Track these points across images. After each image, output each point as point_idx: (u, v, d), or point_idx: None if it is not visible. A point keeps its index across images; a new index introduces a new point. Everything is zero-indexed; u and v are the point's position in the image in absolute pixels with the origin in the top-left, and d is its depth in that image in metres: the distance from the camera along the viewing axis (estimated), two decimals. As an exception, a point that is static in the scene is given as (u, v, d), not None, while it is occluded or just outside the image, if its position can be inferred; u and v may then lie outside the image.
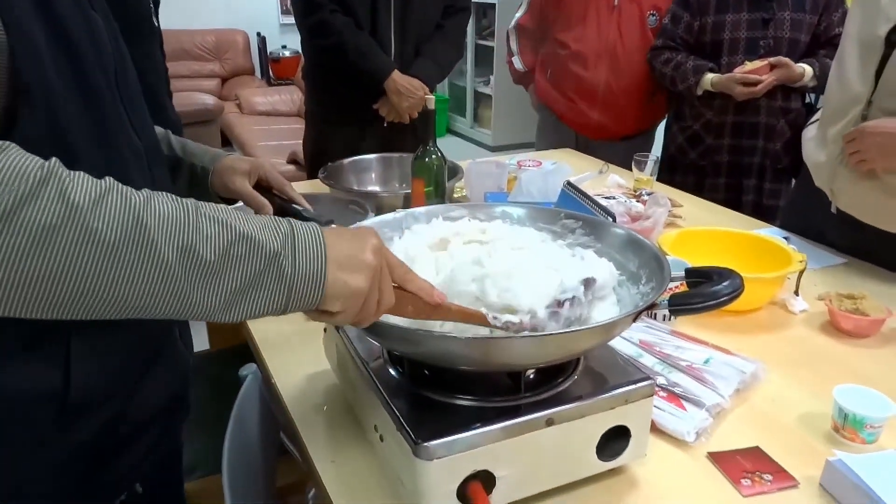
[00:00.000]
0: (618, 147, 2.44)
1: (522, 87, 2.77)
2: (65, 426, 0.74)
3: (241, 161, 1.06)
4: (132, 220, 0.54)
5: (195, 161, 1.05)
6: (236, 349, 1.67)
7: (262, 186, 1.06)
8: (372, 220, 0.99)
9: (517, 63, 2.63)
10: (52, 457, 0.74)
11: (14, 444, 0.72)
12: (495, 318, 0.72)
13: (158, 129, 1.08)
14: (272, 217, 0.62)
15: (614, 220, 1.19)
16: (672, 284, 0.79)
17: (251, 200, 1.03)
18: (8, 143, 0.52)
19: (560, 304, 0.73)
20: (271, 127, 4.50)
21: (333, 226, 0.93)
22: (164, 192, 0.58)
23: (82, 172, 0.55)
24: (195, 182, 1.05)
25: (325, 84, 2.20)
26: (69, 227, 0.51)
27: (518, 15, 2.59)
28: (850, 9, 1.44)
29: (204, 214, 0.57)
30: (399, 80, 2.08)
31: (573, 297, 0.74)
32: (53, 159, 0.54)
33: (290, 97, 5.04)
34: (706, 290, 0.72)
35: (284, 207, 1.05)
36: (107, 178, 0.56)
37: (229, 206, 0.61)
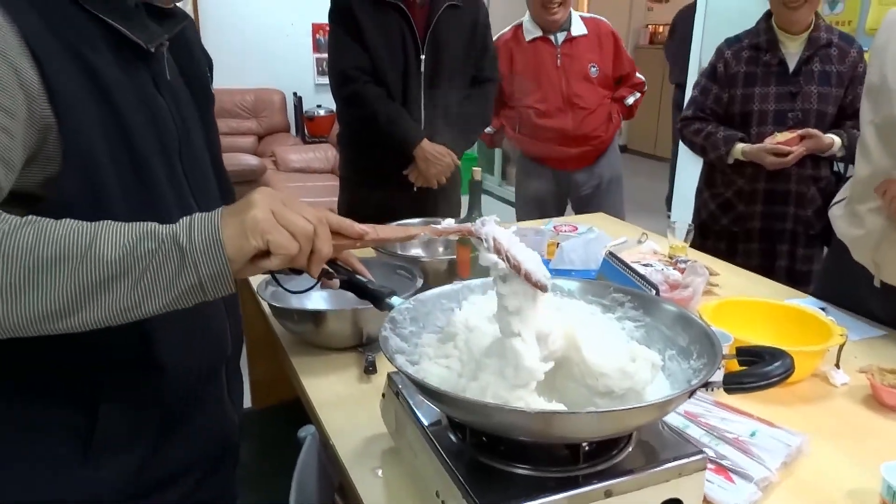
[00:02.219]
0: (594, 168, 2.84)
1: None
2: (90, 463, 0.80)
3: None
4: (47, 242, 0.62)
5: None
6: (283, 407, 1.72)
7: (330, 259, 1.12)
8: (431, 292, 1.04)
9: (487, 129, 2.87)
10: (80, 491, 0.80)
11: (39, 478, 0.79)
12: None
13: None
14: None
15: (657, 292, 1.23)
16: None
17: None
18: None
19: None
20: (306, 184, 4.63)
21: (383, 286, 1.00)
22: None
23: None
24: None
25: (358, 150, 2.31)
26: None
27: None
28: (862, 100, 1.50)
29: (107, 226, 0.65)
30: (427, 147, 2.17)
31: None
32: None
33: (325, 154, 5.19)
34: (758, 370, 0.76)
35: (350, 279, 1.11)
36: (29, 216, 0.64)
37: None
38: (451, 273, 1.60)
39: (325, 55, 6.01)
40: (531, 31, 2.72)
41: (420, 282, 1.45)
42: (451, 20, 2.20)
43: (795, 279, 2.21)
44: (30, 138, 0.70)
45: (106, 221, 0.65)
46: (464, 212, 1.72)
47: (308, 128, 5.74)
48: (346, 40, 2.14)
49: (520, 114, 2.79)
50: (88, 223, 0.64)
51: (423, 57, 2.18)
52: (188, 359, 0.86)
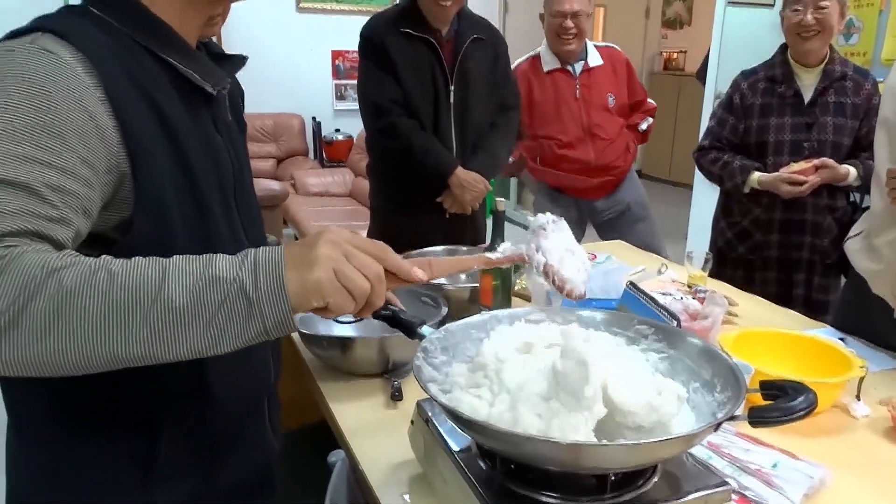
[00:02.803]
0: (615, 196, 2.87)
1: None
2: (150, 490, 0.83)
3: None
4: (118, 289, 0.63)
5: None
6: (310, 430, 1.74)
7: None
8: (460, 323, 1.07)
9: None
10: None
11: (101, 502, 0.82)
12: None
13: (270, 237, 1.20)
14: (235, 256, 0.69)
15: (679, 323, 1.26)
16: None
17: None
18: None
19: None
20: (324, 207, 4.69)
21: (414, 316, 1.03)
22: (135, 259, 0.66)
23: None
24: None
25: (391, 180, 2.37)
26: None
27: None
28: (877, 133, 1.53)
29: (174, 267, 0.66)
30: (462, 175, 2.24)
31: None
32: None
33: (343, 178, 5.26)
34: (783, 404, 0.78)
35: (382, 308, 1.14)
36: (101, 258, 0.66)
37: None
38: (474, 301, 1.63)
39: (344, 81, 6.15)
40: (549, 62, 2.76)
41: (445, 310, 1.48)
42: (476, 52, 2.28)
43: (813, 308, 2.23)
44: (107, 186, 0.73)
45: (172, 260, 0.66)
46: (487, 238, 1.77)
47: (326, 152, 5.83)
48: (379, 73, 2.21)
49: (540, 144, 2.82)
50: (156, 263, 0.66)
51: (452, 88, 2.25)
52: (236, 388, 0.90)
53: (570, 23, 2.61)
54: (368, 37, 2.25)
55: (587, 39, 2.78)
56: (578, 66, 2.75)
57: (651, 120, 2.88)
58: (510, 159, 2.88)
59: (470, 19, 2.31)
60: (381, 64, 2.20)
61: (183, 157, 0.79)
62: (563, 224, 0.99)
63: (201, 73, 0.83)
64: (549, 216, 0.98)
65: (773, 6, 3.46)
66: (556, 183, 2.87)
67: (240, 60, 0.94)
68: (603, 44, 2.89)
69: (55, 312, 0.61)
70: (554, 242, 0.88)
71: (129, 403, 0.82)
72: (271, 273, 0.67)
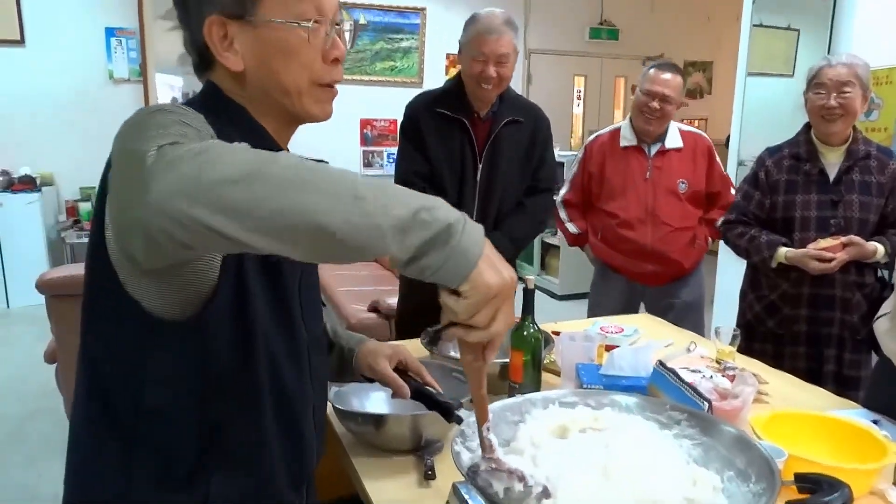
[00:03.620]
0: (671, 288, 2.79)
1: None
2: None
3: (384, 346, 1.21)
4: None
5: (343, 344, 1.21)
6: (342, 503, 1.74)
7: (401, 369, 1.20)
8: (496, 406, 1.09)
9: (571, 228, 2.95)
10: None
11: None
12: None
13: None
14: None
15: (710, 405, 1.27)
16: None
17: (392, 382, 1.17)
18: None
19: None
20: (351, 273, 4.75)
21: (452, 399, 1.07)
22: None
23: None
24: (342, 360, 1.21)
25: None
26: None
27: (563, 192, 2.96)
28: None
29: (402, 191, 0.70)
30: None
31: None
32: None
33: (368, 243, 5.33)
34: (819, 499, 0.79)
35: (420, 389, 1.18)
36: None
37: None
38: (504, 377, 1.65)
39: (372, 148, 6.32)
40: (627, 138, 2.75)
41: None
42: (510, 134, 2.35)
43: (845, 384, 2.21)
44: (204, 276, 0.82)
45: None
46: (517, 311, 1.80)
47: (353, 216, 5.94)
48: (410, 149, 2.32)
49: (601, 220, 2.81)
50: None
51: (479, 167, 2.32)
52: (284, 464, 0.94)
53: (656, 105, 2.60)
54: (408, 115, 2.37)
55: (673, 122, 2.75)
56: (655, 147, 2.72)
57: None
58: (576, 230, 2.91)
59: (511, 102, 2.39)
60: (414, 141, 2.31)
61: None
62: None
63: None
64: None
65: (792, 76, 3.54)
66: (611, 262, 2.83)
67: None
68: (689, 128, 2.84)
69: (291, 177, 0.66)
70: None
71: (182, 465, 0.87)
72: (476, 243, 0.71)
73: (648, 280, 2.79)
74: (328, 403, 1.47)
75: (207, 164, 0.64)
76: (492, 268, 0.71)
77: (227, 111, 0.93)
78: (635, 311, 2.83)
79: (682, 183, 2.71)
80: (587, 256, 3.01)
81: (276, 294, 0.92)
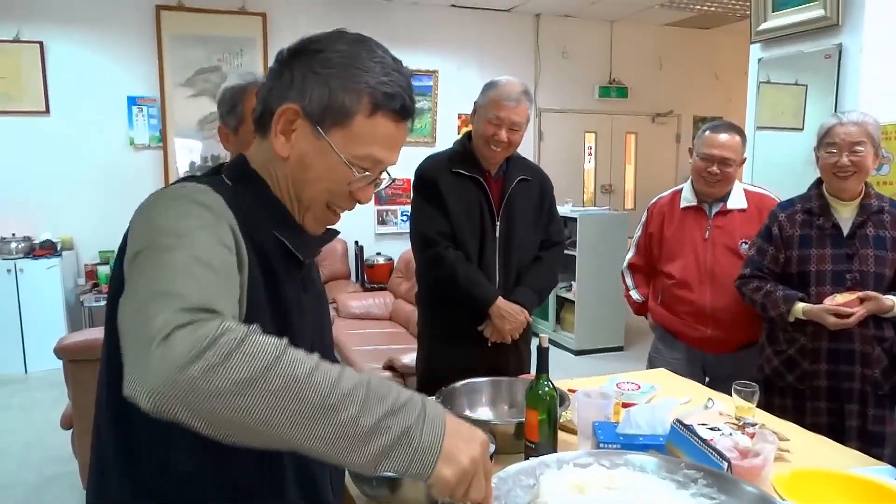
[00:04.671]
0: (731, 358, 2.59)
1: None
2: None
3: None
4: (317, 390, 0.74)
5: None
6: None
7: None
8: (510, 470, 1.09)
9: (635, 295, 2.87)
10: None
11: None
12: None
13: None
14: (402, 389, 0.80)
15: (730, 464, 1.25)
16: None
17: None
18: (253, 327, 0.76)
19: None
20: (366, 330, 4.76)
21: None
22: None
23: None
24: None
25: (436, 308, 2.44)
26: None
27: (629, 256, 2.90)
28: None
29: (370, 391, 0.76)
30: (502, 305, 2.31)
31: None
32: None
33: (383, 301, 5.36)
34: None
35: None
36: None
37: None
38: (520, 436, 1.63)
39: (385, 207, 6.40)
40: (688, 199, 2.67)
41: (492, 447, 1.49)
42: (523, 191, 2.42)
43: (869, 440, 2.16)
44: None
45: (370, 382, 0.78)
46: (531, 367, 1.79)
47: (368, 275, 5.98)
48: (429, 208, 2.36)
49: (661, 282, 2.73)
50: (359, 383, 0.76)
51: (497, 223, 2.37)
52: None
53: (715, 169, 2.51)
54: (421, 175, 2.42)
55: (737, 181, 2.64)
56: (716, 207, 2.61)
57: None
58: (640, 297, 2.83)
59: (518, 162, 2.48)
60: (431, 199, 2.36)
61: (282, 311, 0.93)
62: None
63: (298, 245, 0.98)
64: None
65: (802, 130, 3.58)
66: (670, 326, 2.71)
67: (330, 234, 1.09)
68: (756, 188, 2.71)
69: (277, 393, 0.71)
70: None
71: None
72: (434, 440, 0.78)
73: (709, 346, 2.62)
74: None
75: (199, 377, 0.69)
76: (450, 463, 0.78)
77: (252, 183, 0.99)
78: (701, 381, 2.55)
79: (745, 244, 2.55)
80: (648, 324, 2.91)
81: None
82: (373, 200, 6.38)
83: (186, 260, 0.77)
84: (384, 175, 1.03)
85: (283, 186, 0.99)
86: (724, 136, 2.52)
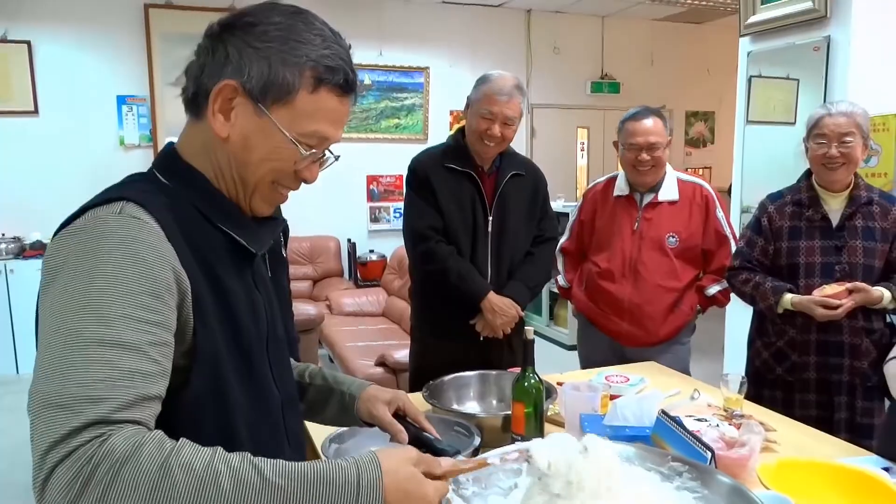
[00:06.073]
0: (648, 353, 2.55)
1: None
2: None
3: (383, 392, 1.22)
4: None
5: (344, 389, 1.22)
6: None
7: (400, 415, 1.20)
8: (493, 452, 1.08)
9: (560, 280, 2.88)
10: None
11: None
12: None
13: (312, 367, 1.26)
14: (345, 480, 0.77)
15: (713, 455, 1.25)
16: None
17: (390, 427, 1.17)
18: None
19: None
20: (358, 327, 4.75)
21: (449, 445, 1.06)
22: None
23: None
24: (343, 407, 1.21)
25: (429, 303, 2.45)
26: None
27: (563, 240, 2.86)
28: None
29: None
30: (494, 300, 2.30)
31: None
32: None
33: (376, 298, 5.35)
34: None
35: (418, 435, 1.17)
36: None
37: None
38: (507, 429, 1.63)
39: (378, 204, 6.39)
40: (620, 188, 2.64)
41: (478, 440, 1.48)
42: (516, 187, 2.42)
43: (858, 432, 2.17)
44: (178, 345, 0.82)
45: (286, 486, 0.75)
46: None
47: (360, 272, 5.97)
48: (422, 203, 2.36)
49: (588, 270, 2.71)
50: (269, 489, 0.74)
51: (490, 218, 2.37)
52: None
53: (645, 156, 2.48)
54: (414, 169, 2.42)
55: (671, 169, 2.62)
56: (647, 198, 2.58)
57: (726, 285, 2.50)
58: (566, 283, 2.84)
59: (512, 158, 2.47)
60: (424, 194, 2.35)
61: (233, 317, 0.87)
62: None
63: (248, 238, 0.94)
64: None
65: (794, 124, 3.58)
66: (591, 315, 2.71)
67: (278, 224, 1.05)
68: (690, 178, 2.66)
69: None
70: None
71: None
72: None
73: (627, 341, 2.62)
74: (324, 457, 1.46)
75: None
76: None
77: (185, 175, 0.93)
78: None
79: (672, 237, 2.54)
80: (571, 311, 2.89)
81: (246, 364, 0.92)
82: (365, 198, 6.38)
83: (91, 346, 0.73)
84: (327, 154, 0.99)
85: (225, 170, 0.94)
86: (646, 122, 2.51)
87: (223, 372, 0.85)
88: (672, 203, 2.58)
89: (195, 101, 0.94)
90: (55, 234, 0.85)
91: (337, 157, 1.01)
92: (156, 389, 0.76)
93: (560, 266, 2.89)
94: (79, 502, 0.68)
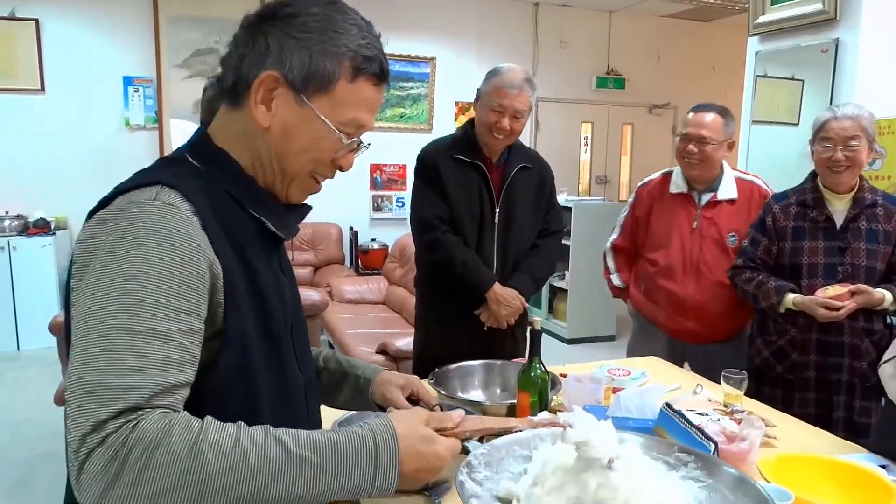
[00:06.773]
0: (712, 350, 2.57)
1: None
2: None
3: (397, 376, 1.24)
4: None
5: (358, 373, 1.24)
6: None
7: (413, 399, 1.23)
8: (505, 439, 1.11)
9: (615, 280, 2.84)
10: None
11: None
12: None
13: (326, 351, 1.29)
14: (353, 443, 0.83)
15: (716, 447, 1.27)
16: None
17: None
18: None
19: None
20: (359, 315, 4.77)
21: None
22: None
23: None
24: (357, 391, 1.23)
25: (434, 292, 2.47)
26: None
27: (612, 237, 2.86)
28: None
29: (309, 464, 0.79)
30: (499, 290, 2.33)
31: None
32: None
33: (377, 286, 5.37)
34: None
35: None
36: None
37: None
38: (512, 417, 1.66)
39: (381, 192, 6.40)
40: (677, 185, 2.62)
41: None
42: (523, 179, 2.44)
43: (855, 431, 2.20)
44: (208, 327, 0.84)
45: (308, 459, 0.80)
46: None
47: (362, 260, 5.99)
48: (429, 193, 2.38)
49: (644, 269, 2.69)
50: (299, 462, 0.79)
51: (497, 210, 2.39)
52: None
53: (693, 148, 2.47)
54: (423, 159, 2.44)
55: (727, 168, 2.60)
56: (706, 196, 2.56)
57: None
58: (621, 283, 2.81)
59: (520, 150, 2.49)
60: (431, 184, 2.37)
61: (262, 301, 0.90)
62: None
63: (278, 224, 0.97)
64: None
65: (797, 125, 3.60)
66: (651, 315, 2.68)
67: (305, 210, 1.07)
68: (748, 176, 2.65)
69: (203, 493, 0.74)
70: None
71: None
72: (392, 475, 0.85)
73: (688, 337, 2.60)
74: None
75: (124, 496, 0.71)
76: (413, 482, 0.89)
77: (217, 160, 0.95)
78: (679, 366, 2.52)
79: (733, 236, 2.52)
80: (627, 310, 2.87)
81: (273, 347, 0.94)
82: (368, 186, 6.40)
83: (125, 334, 0.75)
84: (362, 148, 1.02)
85: (265, 160, 0.95)
86: (703, 116, 2.49)
87: (251, 354, 0.87)
88: (731, 202, 2.56)
89: (234, 91, 0.94)
90: (88, 216, 0.86)
91: (368, 145, 1.04)
92: (186, 377, 0.79)
93: (611, 265, 2.86)
94: (115, 485, 0.71)
